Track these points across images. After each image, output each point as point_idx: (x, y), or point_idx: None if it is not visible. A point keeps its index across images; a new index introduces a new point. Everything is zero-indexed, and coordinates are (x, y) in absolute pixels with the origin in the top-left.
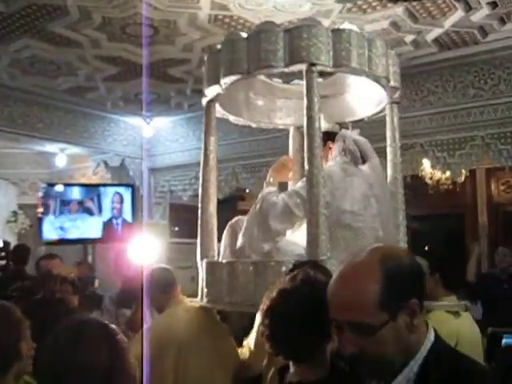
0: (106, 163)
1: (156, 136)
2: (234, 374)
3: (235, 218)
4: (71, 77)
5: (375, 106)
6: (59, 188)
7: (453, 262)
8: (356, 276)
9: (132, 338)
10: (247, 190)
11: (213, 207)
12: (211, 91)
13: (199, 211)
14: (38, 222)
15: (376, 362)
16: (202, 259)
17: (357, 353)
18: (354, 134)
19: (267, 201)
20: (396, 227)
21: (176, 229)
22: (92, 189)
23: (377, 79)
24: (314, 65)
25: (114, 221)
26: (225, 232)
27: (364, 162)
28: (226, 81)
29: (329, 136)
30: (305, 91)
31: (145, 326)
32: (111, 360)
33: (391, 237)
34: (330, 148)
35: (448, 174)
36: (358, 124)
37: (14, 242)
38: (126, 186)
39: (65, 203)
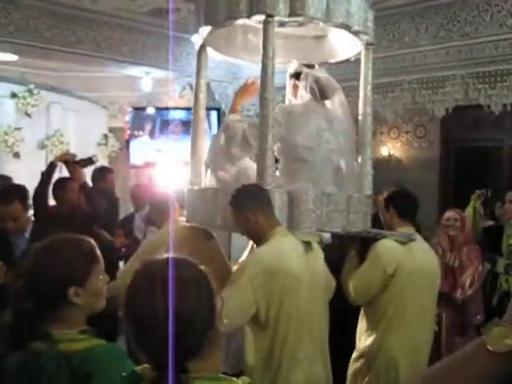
0: (191, 86)
1: None
2: None
3: None
4: None
5: (355, 48)
6: (151, 110)
7: (408, 196)
8: None
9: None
10: None
11: (201, 141)
12: (196, 38)
13: (190, 144)
14: (126, 146)
15: None
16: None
17: None
18: (317, 72)
19: (230, 129)
20: (363, 161)
21: None
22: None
23: (337, 26)
24: (271, 15)
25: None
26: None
27: (326, 98)
28: (204, 30)
29: (296, 76)
30: (261, 41)
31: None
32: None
33: (355, 170)
34: (297, 86)
35: None
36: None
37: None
38: (213, 109)
39: (164, 124)
